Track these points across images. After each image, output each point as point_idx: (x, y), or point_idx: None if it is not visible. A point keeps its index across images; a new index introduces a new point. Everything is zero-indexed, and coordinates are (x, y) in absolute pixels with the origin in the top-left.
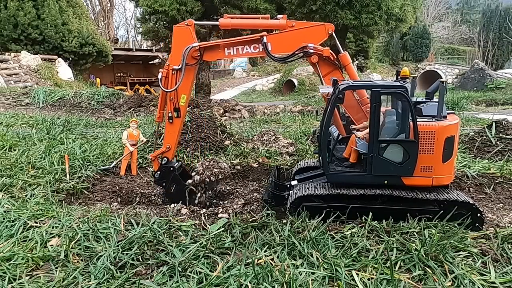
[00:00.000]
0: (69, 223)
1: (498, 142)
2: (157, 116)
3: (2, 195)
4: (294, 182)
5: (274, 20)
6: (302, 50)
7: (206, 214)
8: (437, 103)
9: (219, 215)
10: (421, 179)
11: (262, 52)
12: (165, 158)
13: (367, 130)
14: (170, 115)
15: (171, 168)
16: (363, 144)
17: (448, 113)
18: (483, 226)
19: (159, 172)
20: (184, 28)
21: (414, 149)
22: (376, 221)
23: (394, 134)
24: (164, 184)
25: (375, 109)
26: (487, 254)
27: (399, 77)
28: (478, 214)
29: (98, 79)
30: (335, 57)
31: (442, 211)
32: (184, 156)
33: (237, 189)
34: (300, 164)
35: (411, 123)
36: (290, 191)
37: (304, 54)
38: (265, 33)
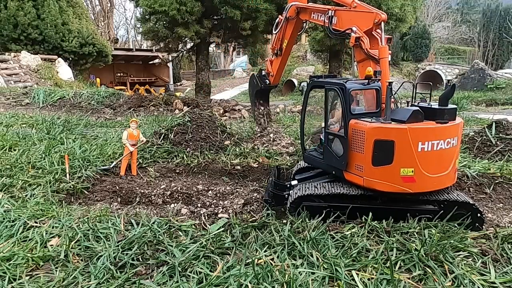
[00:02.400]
0: (69, 223)
1: (498, 142)
2: (271, 48)
3: (2, 195)
4: (294, 182)
5: None
6: (350, 31)
7: (206, 214)
8: (411, 108)
9: (219, 215)
10: (355, 177)
11: (327, 23)
12: (267, 81)
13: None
14: (275, 51)
15: (259, 82)
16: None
17: (450, 121)
18: (483, 226)
19: (261, 73)
20: None
21: (345, 145)
22: (376, 221)
23: (340, 128)
24: (254, 83)
25: (325, 103)
26: (487, 254)
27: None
28: (478, 214)
29: (98, 79)
30: (368, 47)
31: (442, 211)
32: (184, 156)
33: (237, 189)
34: (300, 164)
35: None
36: (290, 191)
37: (347, 35)
38: (334, 7)
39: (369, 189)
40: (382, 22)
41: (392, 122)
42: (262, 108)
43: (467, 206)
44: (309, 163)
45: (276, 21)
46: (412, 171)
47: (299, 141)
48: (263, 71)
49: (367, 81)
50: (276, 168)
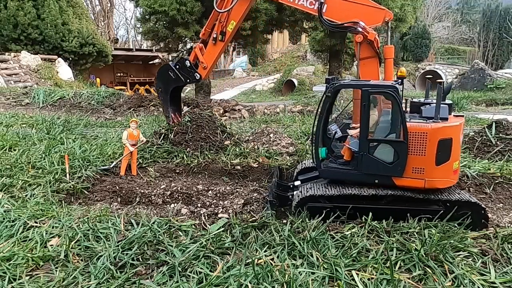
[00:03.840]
0: (69, 223)
1: (498, 142)
2: (202, 32)
3: (2, 195)
4: (297, 183)
5: None
6: (352, 25)
7: (206, 214)
8: (444, 105)
9: (219, 215)
10: (412, 181)
11: (315, 10)
12: (197, 74)
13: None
14: (215, 36)
15: (182, 75)
16: (355, 143)
17: (455, 115)
18: (487, 225)
19: (183, 63)
20: None
21: (403, 150)
22: (376, 221)
23: (386, 133)
24: (172, 77)
25: (364, 108)
26: (487, 254)
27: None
28: (483, 211)
29: (98, 79)
30: (379, 46)
31: (447, 211)
32: (184, 156)
33: (237, 189)
34: (303, 164)
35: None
36: (294, 192)
37: (351, 30)
38: None
39: (429, 190)
40: (390, 21)
41: (440, 120)
42: (174, 107)
43: (472, 205)
44: (328, 177)
45: None
46: (458, 163)
47: (299, 142)
48: (186, 61)
49: (400, 81)
50: (277, 169)
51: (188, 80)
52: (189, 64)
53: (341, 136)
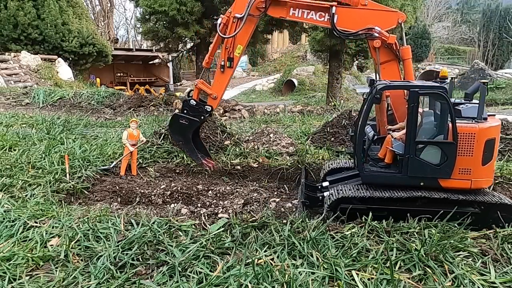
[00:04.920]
0: (69, 223)
1: None
2: (205, 61)
3: (2, 195)
4: (325, 184)
5: None
6: (368, 31)
7: (206, 214)
8: (477, 105)
9: (219, 215)
10: (459, 182)
11: (326, 22)
12: (208, 107)
13: (404, 131)
14: (222, 63)
15: (194, 115)
16: (399, 145)
17: (488, 115)
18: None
19: (189, 104)
20: None
21: (452, 151)
22: (376, 221)
23: (431, 135)
24: (185, 123)
25: (412, 109)
26: (487, 254)
27: (438, 78)
28: None
29: (98, 79)
30: (398, 47)
31: (483, 213)
32: (184, 156)
33: (237, 189)
34: (332, 164)
35: (450, 124)
36: (325, 193)
37: (368, 36)
38: (335, 4)
39: (474, 190)
40: (402, 21)
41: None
42: (201, 153)
43: (510, 208)
44: (371, 182)
45: (219, 22)
46: (496, 161)
47: (299, 142)
48: (191, 101)
49: (447, 81)
50: (304, 169)
51: (202, 117)
52: (195, 103)
53: (377, 138)
